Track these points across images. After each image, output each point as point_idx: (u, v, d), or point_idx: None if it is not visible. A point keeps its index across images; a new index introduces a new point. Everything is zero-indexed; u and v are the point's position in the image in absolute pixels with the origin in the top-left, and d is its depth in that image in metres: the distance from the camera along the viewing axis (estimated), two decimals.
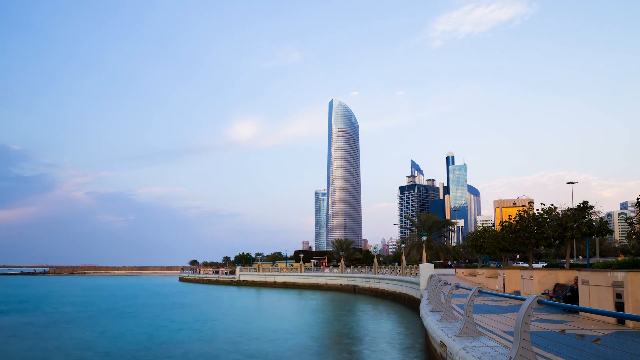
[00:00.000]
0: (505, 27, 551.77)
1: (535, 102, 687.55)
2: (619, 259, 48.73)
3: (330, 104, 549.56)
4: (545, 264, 64.13)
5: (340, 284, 73.43)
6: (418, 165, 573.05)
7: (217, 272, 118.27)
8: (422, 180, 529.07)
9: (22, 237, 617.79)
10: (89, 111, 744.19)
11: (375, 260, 75.30)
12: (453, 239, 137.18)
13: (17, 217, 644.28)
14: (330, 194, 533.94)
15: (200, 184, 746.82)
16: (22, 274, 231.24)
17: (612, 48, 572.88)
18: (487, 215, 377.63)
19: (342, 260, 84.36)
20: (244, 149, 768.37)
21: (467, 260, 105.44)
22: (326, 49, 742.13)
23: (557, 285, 20.97)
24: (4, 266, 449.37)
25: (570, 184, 61.50)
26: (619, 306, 13.17)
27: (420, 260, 61.72)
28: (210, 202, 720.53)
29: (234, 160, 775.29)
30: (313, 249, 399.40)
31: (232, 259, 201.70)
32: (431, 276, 27.25)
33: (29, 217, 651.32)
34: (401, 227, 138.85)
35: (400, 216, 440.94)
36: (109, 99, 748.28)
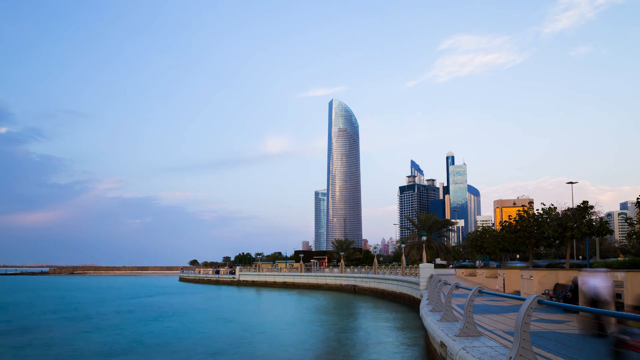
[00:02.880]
0: (499, 68, 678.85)
1: (531, 115, 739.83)
2: (619, 258, 48.69)
3: (330, 104, 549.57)
4: (543, 262, 64.05)
5: (340, 284, 73.41)
6: (418, 165, 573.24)
7: (217, 272, 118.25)
8: (422, 180, 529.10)
9: (36, 238, 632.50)
10: (125, 120, 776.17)
11: (375, 260, 75.28)
12: (453, 239, 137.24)
13: (35, 221, 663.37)
14: (330, 194, 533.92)
15: (217, 190, 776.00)
16: (22, 274, 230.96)
17: (591, 71, 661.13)
18: (487, 215, 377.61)
19: (342, 260, 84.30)
20: (263, 160, 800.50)
21: (467, 260, 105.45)
22: (348, 82, 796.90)
23: (557, 285, 20.97)
24: (4, 266, 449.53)
25: (570, 184, 61.52)
26: (619, 306, 13.17)
27: (420, 260, 61.70)
28: (223, 206, 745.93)
29: (253, 169, 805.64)
30: (313, 249, 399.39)
31: (232, 259, 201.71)
32: (431, 276, 27.25)
33: (47, 221, 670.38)
34: (401, 227, 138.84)
35: (400, 216, 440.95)
36: (147, 110, 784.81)
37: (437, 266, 68.88)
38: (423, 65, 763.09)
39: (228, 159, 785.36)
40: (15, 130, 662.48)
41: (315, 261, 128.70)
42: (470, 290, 11.85)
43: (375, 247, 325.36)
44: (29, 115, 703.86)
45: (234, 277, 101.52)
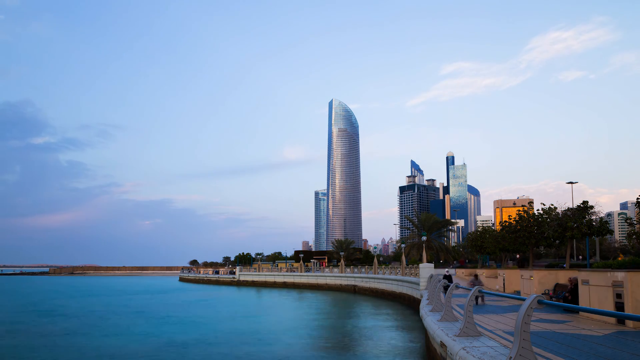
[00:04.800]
0: (497, 88, 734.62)
1: (530, 121, 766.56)
2: (619, 259, 48.65)
3: (330, 104, 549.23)
4: (545, 265, 64.02)
5: (340, 284, 73.42)
6: (418, 165, 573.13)
7: (217, 272, 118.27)
8: (422, 180, 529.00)
9: (45, 239, 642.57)
10: (149, 129, 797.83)
11: (375, 260, 75.29)
12: (453, 239, 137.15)
13: (48, 222, 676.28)
14: (330, 194, 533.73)
15: (230, 193, 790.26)
16: (21, 274, 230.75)
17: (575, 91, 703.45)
18: (487, 215, 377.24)
19: (342, 260, 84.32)
20: (275, 167, 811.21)
21: (467, 260, 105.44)
22: (354, 97, 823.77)
23: (557, 285, 20.97)
24: (4, 266, 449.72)
25: (570, 184, 61.59)
26: (619, 306, 13.17)
27: (420, 260, 61.68)
28: (233, 208, 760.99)
29: (266, 174, 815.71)
30: (313, 249, 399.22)
31: (232, 259, 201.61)
32: (431, 276, 27.26)
33: (59, 222, 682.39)
34: (401, 227, 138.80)
35: (400, 216, 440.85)
36: (169, 119, 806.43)
37: (437, 266, 68.89)
38: (425, 87, 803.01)
39: (243, 166, 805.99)
40: (53, 140, 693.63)
41: (315, 261, 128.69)
42: (470, 290, 11.86)
43: (375, 247, 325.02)
44: (68, 127, 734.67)
45: (234, 277, 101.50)
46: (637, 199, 28.30)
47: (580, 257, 77.50)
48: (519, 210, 43.26)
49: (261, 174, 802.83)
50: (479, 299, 20.66)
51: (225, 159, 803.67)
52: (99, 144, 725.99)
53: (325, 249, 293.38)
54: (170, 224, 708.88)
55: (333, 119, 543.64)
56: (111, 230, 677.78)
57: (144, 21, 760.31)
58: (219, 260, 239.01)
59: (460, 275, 56.55)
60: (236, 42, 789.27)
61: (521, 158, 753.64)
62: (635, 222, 31.83)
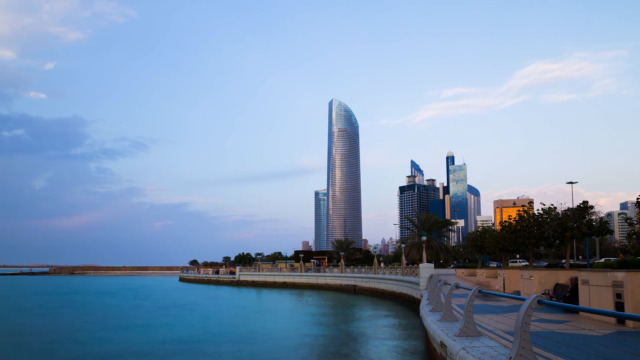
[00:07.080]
0: (495, 107, 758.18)
1: (531, 125, 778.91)
2: (619, 258, 48.58)
3: (330, 104, 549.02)
4: (546, 264, 64.10)
5: (340, 284, 73.41)
6: (418, 165, 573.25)
7: (217, 272, 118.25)
8: (422, 180, 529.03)
9: (55, 240, 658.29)
10: (174, 138, 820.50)
11: (375, 260, 75.22)
12: (453, 239, 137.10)
13: (65, 224, 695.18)
14: (330, 194, 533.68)
15: (241, 196, 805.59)
16: (21, 273, 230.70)
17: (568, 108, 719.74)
18: (487, 215, 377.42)
19: (342, 260, 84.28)
20: (285, 172, 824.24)
21: (467, 260, 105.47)
22: (352, 94, 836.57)
23: (557, 285, 20.95)
24: (4, 266, 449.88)
25: (570, 184, 61.64)
26: (619, 306, 13.16)
27: (420, 260, 61.65)
28: (243, 210, 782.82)
29: (278, 179, 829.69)
30: (313, 249, 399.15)
31: (232, 259, 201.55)
32: (431, 276, 27.24)
33: (74, 224, 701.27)
34: (401, 227, 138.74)
35: (400, 216, 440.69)
36: (190, 129, 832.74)
37: (437, 266, 68.94)
38: (427, 108, 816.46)
39: (255, 171, 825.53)
40: (90, 151, 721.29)
41: (315, 261, 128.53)
42: (470, 290, 11.86)
43: (375, 247, 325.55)
44: (106, 139, 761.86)
45: (233, 277, 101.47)
46: (637, 199, 28.31)
47: (580, 257, 77.53)
48: (519, 210, 43.23)
49: (268, 177, 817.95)
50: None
51: (242, 165, 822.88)
52: (130, 154, 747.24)
53: (325, 249, 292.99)
54: (181, 226, 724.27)
55: (333, 118, 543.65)
56: (121, 231, 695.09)
57: (158, 36, 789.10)
58: (219, 260, 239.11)
59: (460, 275, 56.46)
60: (245, 57, 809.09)
61: (521, 162, 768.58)
62: (635, 222, 31.82)
